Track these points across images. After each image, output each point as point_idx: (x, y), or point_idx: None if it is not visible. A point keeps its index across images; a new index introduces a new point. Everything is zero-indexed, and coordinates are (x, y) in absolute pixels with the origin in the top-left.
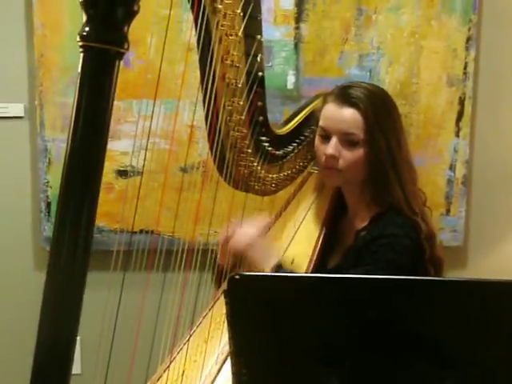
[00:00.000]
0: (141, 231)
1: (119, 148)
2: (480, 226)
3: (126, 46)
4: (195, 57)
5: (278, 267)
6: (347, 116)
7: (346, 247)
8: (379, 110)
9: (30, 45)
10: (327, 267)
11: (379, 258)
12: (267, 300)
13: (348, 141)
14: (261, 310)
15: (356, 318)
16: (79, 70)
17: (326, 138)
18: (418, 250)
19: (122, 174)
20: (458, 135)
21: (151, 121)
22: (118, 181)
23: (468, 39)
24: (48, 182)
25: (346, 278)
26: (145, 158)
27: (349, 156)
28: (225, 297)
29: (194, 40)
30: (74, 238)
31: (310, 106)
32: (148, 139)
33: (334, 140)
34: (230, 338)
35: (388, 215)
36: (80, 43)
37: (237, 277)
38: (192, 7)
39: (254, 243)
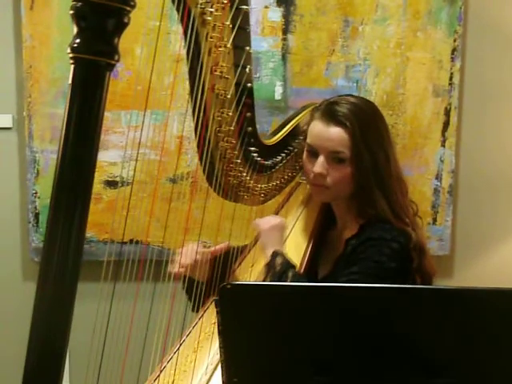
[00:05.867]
0: (130, 241)
1: (107, 158)
2: (466, 235)
3: (116, 58)
4: (184, 68)
5: (276, 254)
6: (334, 135)
7: (336, 256)
8: (365, 127)
9: (19, 56)
10: (317, 277)
11: (366, 259)
12: (258, 309)
13: (335, 158)
14: (252, 319)
15: (347, 327)
16: (70, 81)
17: (314, 154)
18: (406, 256)
19: (111, 184)
20: (443, 145)
21: (141, 131)
22: (107, 191)
23: (453, 50)
24: (36, 193)
25: (337, 286)
26: (135, 169)
27: (336, 174)
28: (216, 306)
29: (182, 51)
30: (65, 249)
31: (298, 117)
32: (138, 150)
33: (321, 158)
34: (220, 347)
35: (376, 223)
36: (70, 55)
37: (228, 286)
38: (181, 19)
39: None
